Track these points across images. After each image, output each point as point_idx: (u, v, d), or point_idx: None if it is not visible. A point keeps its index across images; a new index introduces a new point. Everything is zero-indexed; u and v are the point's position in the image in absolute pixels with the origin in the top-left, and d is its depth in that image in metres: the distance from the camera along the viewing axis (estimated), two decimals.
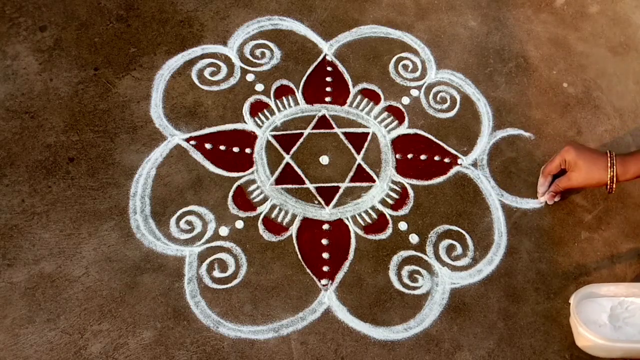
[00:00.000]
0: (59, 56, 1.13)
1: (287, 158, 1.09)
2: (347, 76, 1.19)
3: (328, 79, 1.18)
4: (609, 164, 0.95)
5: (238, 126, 1.11)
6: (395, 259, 1.01)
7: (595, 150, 1.00)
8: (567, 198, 1.10)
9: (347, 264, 1.00)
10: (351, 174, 1.08)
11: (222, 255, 0.99)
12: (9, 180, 1.00)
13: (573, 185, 1.03)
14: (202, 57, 1.17)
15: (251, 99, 1.14)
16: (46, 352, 0.88)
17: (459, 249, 1.03)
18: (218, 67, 1.16)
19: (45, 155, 1.03)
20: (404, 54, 1.23)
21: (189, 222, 1.01)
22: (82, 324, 0.90)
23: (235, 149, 1.08)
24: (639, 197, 1.12)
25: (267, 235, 1.01)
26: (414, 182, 1.09)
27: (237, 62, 1.17)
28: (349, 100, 1.16)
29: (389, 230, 1.04)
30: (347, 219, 1.04)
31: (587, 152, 0.99)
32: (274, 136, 1.10)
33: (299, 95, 1.15)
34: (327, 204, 1.05)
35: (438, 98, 1.19)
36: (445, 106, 1.18)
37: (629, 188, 1.13)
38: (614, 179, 0.96)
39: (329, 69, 1.19)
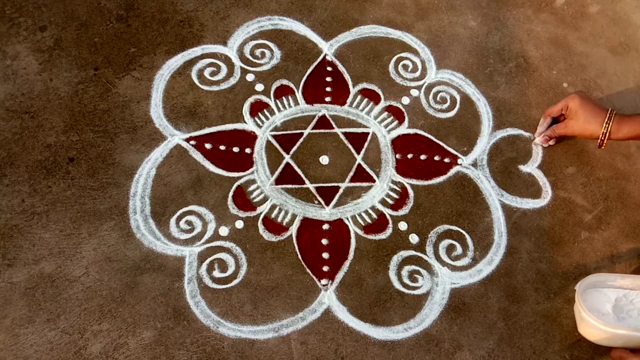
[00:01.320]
0: (59, 56, 1.13)
1: (287, 158, 1.09)
2: (347, 76, 1.19)
3: (328, 79, 1.18)
4: (606, 120, 1.00)
5: (238, 126, 1.11)
6: (395, 259, 1.01)
7: (598, 105, 1.04)
8: (567, 198, 1.10)
9: (347, 264, 1.00)
10: (351, 174, 1.08)
11: (222, 255, 0.99)
12: (9, 180, 1.00)
13: (568, 133, 1.08)
14: (202, 57, 1.17)
15: (251, 99, 1.14)
16: (46, 352, 0.88)
17: (459, 249, 1.03)
18: (218, 67, 1.16)
19: (45, 155, 1.03)
20: (404, 54, 1.23)
21: (189, 222, 1.01)
22: (82, 324, 0.90)
23: (235, 149, 1.08)
24: (639, 197, 1.12)
25: (267, 235, 1.01)
26: (414, 182, 1.09)
27: (237, 62, 1.17)
28: (349, 100, 1.16)
29: (389, 230, 1.04)
30: (347, 219, 1.04)
31: (590, 104, 1.03)
32: (274, 136, 1.10)
33: (299, 95, 1.15)
34: (327, 204, 1.05)
35: (438, 98, 1.18)
36: (445, 106, 1.18)
37: (629, 188, 1.13)
38: (607, 135, 1.00)
39: (329, 69, 1.19)
